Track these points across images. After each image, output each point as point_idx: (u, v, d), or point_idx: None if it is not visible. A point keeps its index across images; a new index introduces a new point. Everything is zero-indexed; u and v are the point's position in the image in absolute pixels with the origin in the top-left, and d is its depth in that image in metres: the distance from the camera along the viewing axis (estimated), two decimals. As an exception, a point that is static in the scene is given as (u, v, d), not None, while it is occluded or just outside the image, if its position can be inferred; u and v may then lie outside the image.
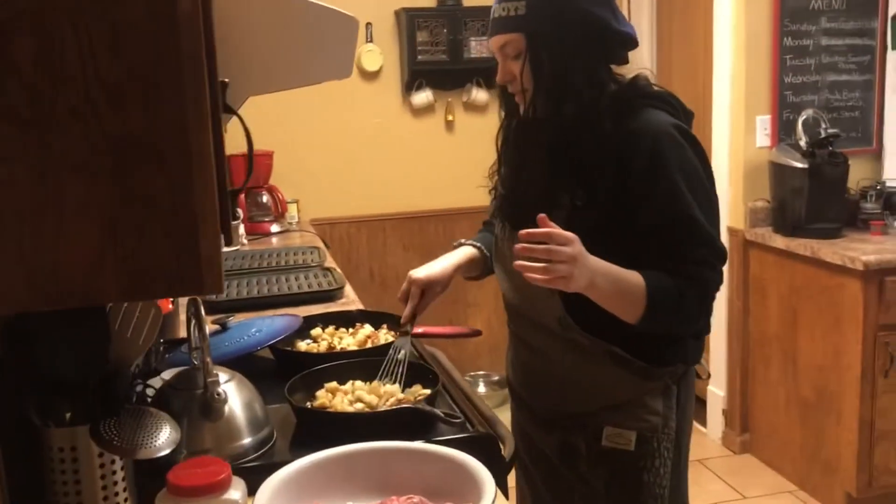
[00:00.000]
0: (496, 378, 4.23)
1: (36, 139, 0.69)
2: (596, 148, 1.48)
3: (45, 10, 0.68)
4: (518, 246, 1.33)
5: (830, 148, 3.13)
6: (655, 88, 1.55)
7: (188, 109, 0.71)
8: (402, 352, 1.61)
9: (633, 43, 1.54)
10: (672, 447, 1.58)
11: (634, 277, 1.42)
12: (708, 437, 3.72)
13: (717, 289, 1.50)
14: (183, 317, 1.95)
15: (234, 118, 0.95)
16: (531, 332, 1.64)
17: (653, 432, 1.55)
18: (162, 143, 0.71)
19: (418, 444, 1.24)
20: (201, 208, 0.73)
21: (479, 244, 1.81)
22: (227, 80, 0.76)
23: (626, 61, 1.58)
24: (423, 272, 1.73)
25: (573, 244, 1.34)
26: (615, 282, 1.41)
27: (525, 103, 1.55)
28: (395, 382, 1.56)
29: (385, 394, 1.52)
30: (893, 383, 2.90)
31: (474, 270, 1.81)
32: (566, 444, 1.61)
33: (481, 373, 4.30)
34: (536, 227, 1.35)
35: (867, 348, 2.87)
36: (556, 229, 1.33)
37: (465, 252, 1.81)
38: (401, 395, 1.52)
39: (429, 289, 1.72)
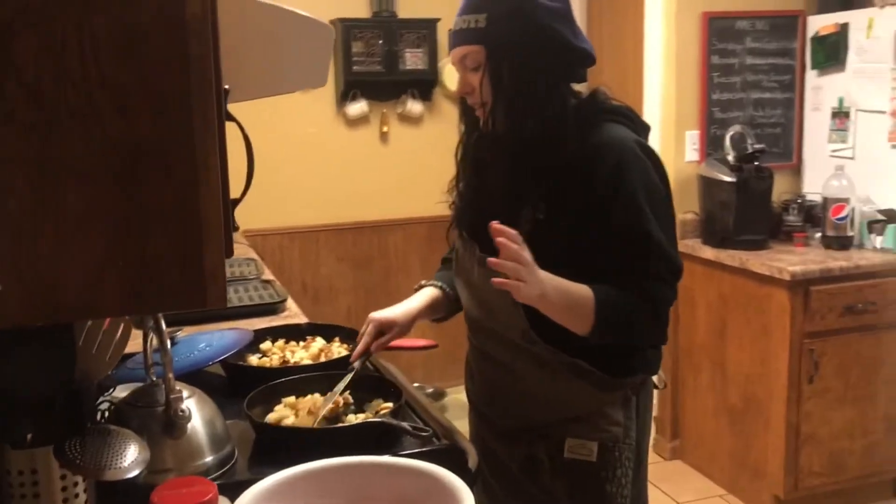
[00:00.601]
0: (430, 390, 4.22)
1: (36, 142, 0.66)
2: (558, 162, 1.49)
3: (49, 10, 0.64)
4: (491, 260, 1.34)
5: (756, 163, 3.26)
6: (614, 103, 1.58)
7: (195, 115, 0.69)
8: (340, 386, 1.57)
9: (591, 59, 1.57)
10: (633, 456, 1.60)
11: (584, 291, 1.45)
12: (639, 444, 3.80)
13: (671, 303, 1.52)
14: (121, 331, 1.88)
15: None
16: (494, 345, 1.64)
17: (614, 442, 1.57)
18: (169, 151, 0.68)
19: (393, 459, 1.23)
20: (206, 218, 0.70)
21: (441, 284, 1.78)
22: (227, 87, 0.74)
23: (584, 79, 1.60)
24: (381, 313, 1.73)
25: (527, 251, 1.36)
26: (565, 294, 1.43)
27: (484, 116, 1.55)
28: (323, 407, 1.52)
29: (336, 405, 1.50)
30: (818, 389, 3.03)
31: (439, 311, 1.79)
32: (529, 456, 1.61)
33: (416, 384, 4.28)
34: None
35: (793, 356, 2.99)
36: (512, 232, 1.35)
37: (427, 293, 1.78)
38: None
39: (387, 329, 1.70)
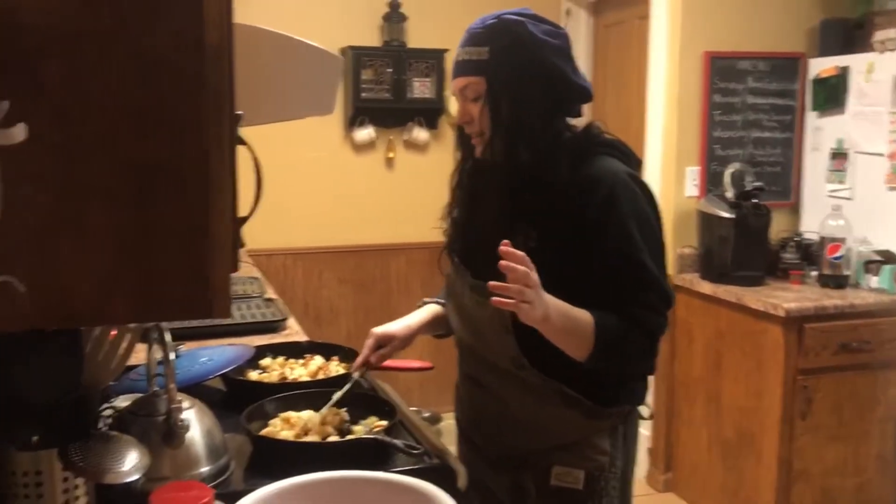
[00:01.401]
0: (426, 414, 4.24)
1: (59, 161, 0.71)
2: (551, 192, 1.54)
3: (77, 37, 0.70)
4: (492, 284, 1.37)
5: (755, 200, 3.31)
6: (607, 136, 1.63)
7: (210, 139, 0.74)
8: (338, 395, 1.63)
9: (587, 96, 1.62)
10: (619, 485, 1.62)
11: (584, 315, 1.47)
12: (633, 475, 3.81)
13: (663, 332, 1.54)
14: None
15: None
16: (483, 371, 1.67)
17: (600, 471, 1.58)
18: (183, 171, 0.73)
19: (385, 475, 1.26)
20: (216, 235, 0.75)
21: (444, 301, 1.82)
22: (240, 112, 0.79)
23: (580, 114, 1.65)
24: (382, 327, 1.78)
25: (534, 273, 1.38)
26: (567, 318, 1.45)
27: (482, 146, 1.60)
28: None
29: (331, 421, 1.54)
30: (811, 425, 3.05)
31: (441, 328, 1.83)
32: (515, 483, 1.62)
33: (412, 408, 4.31)
34: (491, 268, 1.37)
35: (787, 391, 3.02)
36: (520, 254, 1.36)
37: (429, 310, 1.84)
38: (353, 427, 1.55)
39: (386, 342, 1.76)
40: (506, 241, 1.36)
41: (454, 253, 1.72)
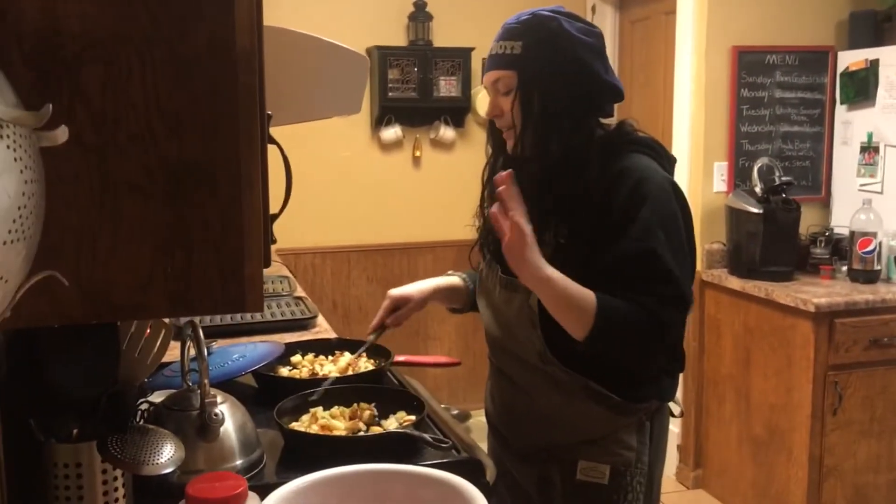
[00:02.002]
0: (455, 412, 4.26)
1: (97, 162, 0.74)
2: (581, 188, 1.54)
3: (115, 42, 0.73)
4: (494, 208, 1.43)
5: (784, 195, 3.28)
6: (640, 134, 1.63)
7: (241, 138, 0.76)
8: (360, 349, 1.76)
9: (619, 95, 1.62)
10: (645, 482, 1.63)
11: (587, 292, 1.46)
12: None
13: (678, 329, 1.52)
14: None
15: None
16: (512, 365, 1.69)
17: (626, 466, 1.59)
18: (216, 170, 0.76)
19: (414, 468, 1.28)
20: (248, 231, 0.78)
21: (465, 276, 1.87)
22: (270, 112, 0.81)
23: (611, 113, 1.66)
24: (398, 290, 1.83)
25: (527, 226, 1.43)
26: (568, 288, 1.45)
27: (512, 140, 1.61)
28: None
29: (362, 416, 1.58)
30: (841, 421, 3.03)
31: (456, 301, 1.87)
32: (543, 477, 1.64)
33: (442, 406, 4.34)
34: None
35: (817, 387, 3.00)
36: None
37: (447, 279, 1.89)
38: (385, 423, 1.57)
39: (402, 304, 1.80)
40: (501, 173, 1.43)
41: (485, 248, 1.74)
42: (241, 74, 0.76)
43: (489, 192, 1.72)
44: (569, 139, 1.55)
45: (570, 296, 1.46)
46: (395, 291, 1.82)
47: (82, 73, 0.72)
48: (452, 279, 1.88)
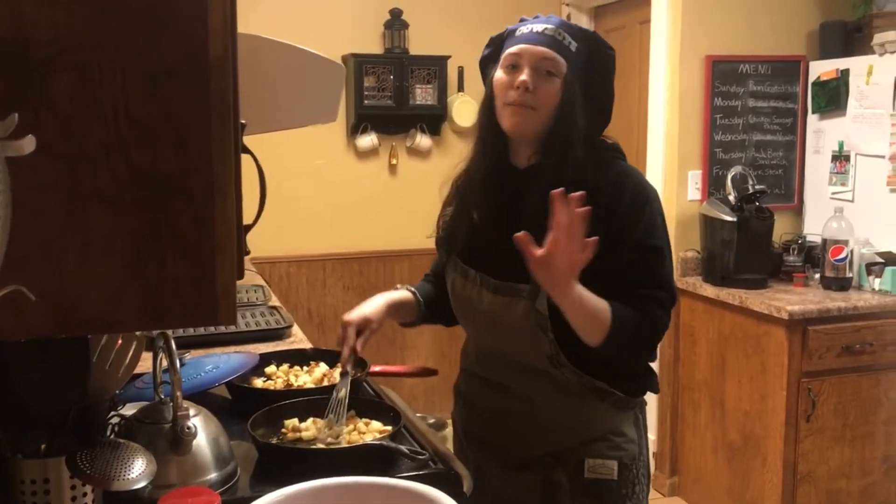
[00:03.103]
0: (432, 420, 4.24)
1: (66, 172, 0.72)
2: (589, 194, 1.53)
3: (85, 50, 0.71)
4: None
5: (757, 203, 3.32)
6: (609, 141, 1.66)
7: (214, 148, 0.75)
8: (343, 391, 1.63)
9: (600, 131, 1.67)
10: (646, 472, 1.67)
11: (603, 303, 1.50)
12: (638, 480, 3.81)
13: (666, 329, 1.59)
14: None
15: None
16: (510, 374, 1.66)
17: (632, 460, 1.62)
18: (188, 180, 0.74)
19: (390, 480, 1.27)
20: (221, 242, 0.76)
21: (414, 290, 1.83)
22: (244, 121, 0.80)
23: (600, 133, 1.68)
24: (354, 313, 1.75)
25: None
26: (590, 300, 1.48)
27: (521, 118, 1.56)
28: (338, 422, 1.57)
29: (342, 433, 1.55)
30: (815, 428, 3.05)
31: (406, 315, 1.83)
32: (546, 481, 1.62)
33: (418, 414, 4.32)
34: (520, 266, 1.44)
35: (791, 394, 3.02)
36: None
37: (398, 293, 1.83)
38: (356, 433, 1.55)
39: (364, 328, 1.74)
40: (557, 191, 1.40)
41: (459, 258, 1.69)
42: (214, 82, 0.74)
43: (470, 199, 1.68)
44: (580, 151, 1.57)
45: (595, 309, 1.49)
46: (355, 316, 1.74)
47: (51, 80, 0.71)
48: (402, 293, 1.84)
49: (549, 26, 1.59)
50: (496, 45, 1.67)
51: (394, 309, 1.80)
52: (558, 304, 1.48)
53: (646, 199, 1.57)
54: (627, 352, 1.57)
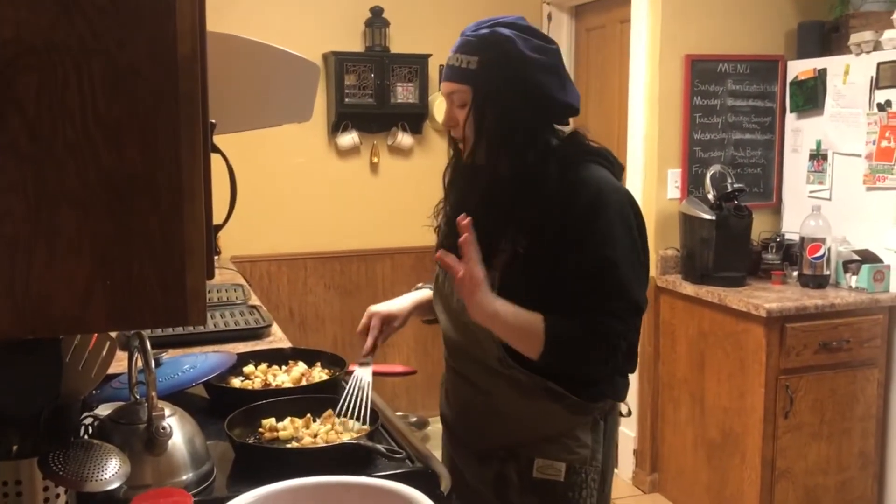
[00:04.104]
0: (414, 419, 4.25)
1: (33, 172, 0.71)
2: (540, 199, 1.56)
3: (50, 50, 0.71)
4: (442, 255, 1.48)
5: (736, 201, 3.34)
6: (593, 144, 1.66)
7: (183, 147, 0.75)
8: (365, 381, 1.67)
9: (573, 112, 1.65)
10: (598, 479, 1.66)
11: (535, 317, 1.52)
12: (619, 476, 3.83)
13: (624, 336, 1.54)
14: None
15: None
16: (471, 368, 1.70)
17: (582, 464, 1.63)
18: (156, 180, 0.74)
19: (367, 479, 1.27)
20: (190, 243, 0.76)
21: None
22: (214, 121, 0.80)
23: (567, 122, 1.69)
24: (383, 307, 1.82)
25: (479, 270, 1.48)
26: (517, 317, 1.51)
27: (465, 150, 1.63)
28: (357, 417, 1.59)
29: (328, 431, 1.55)
30: (792, 424, 3.08)
31: (431, 313, 1.86)
32: (499, 475, 1.66)
33: (399, 413, 4.32)
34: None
35: (769, 391, 3.05)
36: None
37: (422, 293, 1.89)
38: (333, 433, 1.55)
39: (387, 323, 1.80)
40: (462, 217, 1.47)
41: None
42: (183, 82, 0.74)
43: (450, 195, 1.74)
44: (523, 154, 1.58)
45: (519, 325, 1.53)
46: (380, 309, 1.81)
47: (16, 80, 0.70)
48: (425, 292, 1.89)
49: (452, 54, 1.62)
50: None
51: (419, 307, 1.87)
52: (473, 317, 1.52)
53: (602, 206, 1.53)
54: (575, 364, 1.56)
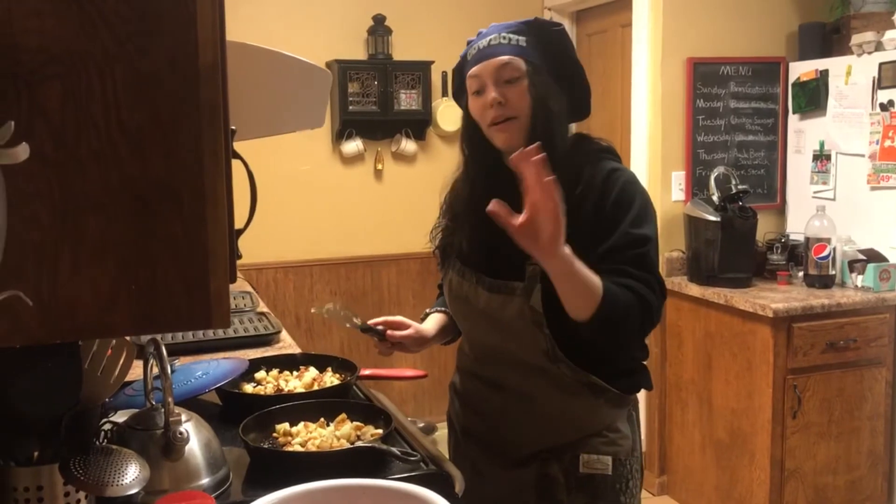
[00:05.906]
0: (422, 424, 4.25)
1: (58, 179, 0.73)
2: (573, 189, 1.55)
3: (74, 58, 0.72)
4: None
5: (740, 203, 3.35)
6: (604, 143, 1.69)
7: (205, 154, 0.76)
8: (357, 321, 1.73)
9: (587, 114, 1.69)
10: (640, 468, 1.70)
11: (594, 276, 1.47)
12: (628, 479, 3.83)
13: (658, 315, 1.56)
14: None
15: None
16: (508, 372, 1.68)
17: (626, 455, 1.65)
18: (179, 186, 0.76)
19: (382, 482, 1.28)
20: (213, 247, 0.77)
21: (444, 309, 1.85)
22: (234, 127, 0.81)
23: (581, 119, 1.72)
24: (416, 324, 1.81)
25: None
26: (580, 268, 1.44)
27: (510, 133, 1.58)
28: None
29: (340, 436, 1.56)
30: (801, 424, 3.09)
31: (448, 335, 1.86)
32: (542, 476, 1.65)
33: (408, 419, 4.32)
34: (515, 265, 1.50)
35: (777, 391, 3.05)
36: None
37: (435, 319, 1.85)
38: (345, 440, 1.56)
39: (405, 328, 1.77)
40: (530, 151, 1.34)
41: (457, 258, 1.72)
42: (204, 90, 0.75)
43: (464, 200, 1.70)
44: (564, 138, 1.60)
45: (584, 275, 1.45)
46: (414, 323, 1.81)
47: (41, 88, 0.71)
48: (439, 317, 1.86)
49: (492, 35, 1.62)
50: (460, 75, 1.71)
51: (438, 336, 1.84)
52: (548, 271, 1.44)
53: (635, 192, 1.58)
54: (617, 331, 1.53)
